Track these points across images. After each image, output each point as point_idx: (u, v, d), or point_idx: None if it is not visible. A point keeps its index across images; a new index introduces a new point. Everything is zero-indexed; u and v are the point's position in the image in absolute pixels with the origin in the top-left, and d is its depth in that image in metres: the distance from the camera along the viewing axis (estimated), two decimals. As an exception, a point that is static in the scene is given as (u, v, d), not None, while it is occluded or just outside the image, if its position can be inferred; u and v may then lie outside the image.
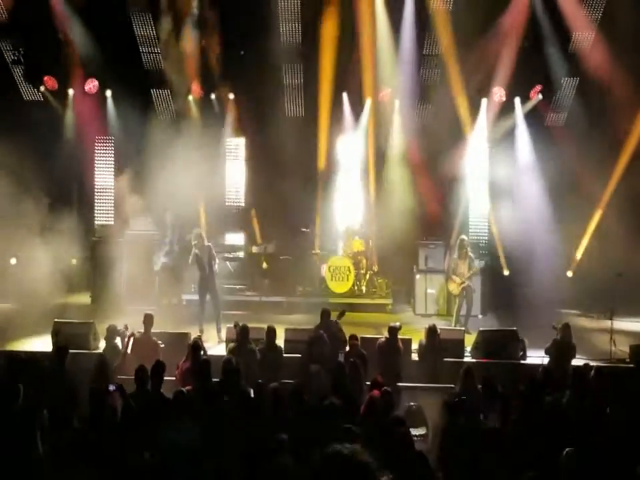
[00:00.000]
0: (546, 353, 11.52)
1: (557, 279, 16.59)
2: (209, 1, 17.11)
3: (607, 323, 13.73)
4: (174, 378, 10.31)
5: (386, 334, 11.77)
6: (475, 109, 17.60)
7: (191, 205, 16.63)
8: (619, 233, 15.79)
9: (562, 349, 11.28)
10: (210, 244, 14.47)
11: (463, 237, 15.31)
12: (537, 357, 12.73)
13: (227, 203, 18.46)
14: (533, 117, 17.78)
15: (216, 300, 14.34)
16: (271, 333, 11.48)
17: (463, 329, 13.99)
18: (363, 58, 17.34)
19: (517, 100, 17.71)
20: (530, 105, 17.74)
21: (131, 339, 11.23)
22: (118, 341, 11.64)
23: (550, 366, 10.51)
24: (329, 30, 16.83)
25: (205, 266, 14.20)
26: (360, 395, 8.91)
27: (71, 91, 17.87)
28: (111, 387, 8.44)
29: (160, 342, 11.49)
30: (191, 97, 18.12)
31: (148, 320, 11.62)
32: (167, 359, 10.30)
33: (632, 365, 12.14)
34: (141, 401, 8.57)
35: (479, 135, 17.66)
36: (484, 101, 17.57)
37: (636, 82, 16.13)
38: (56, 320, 13.01)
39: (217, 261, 14.49)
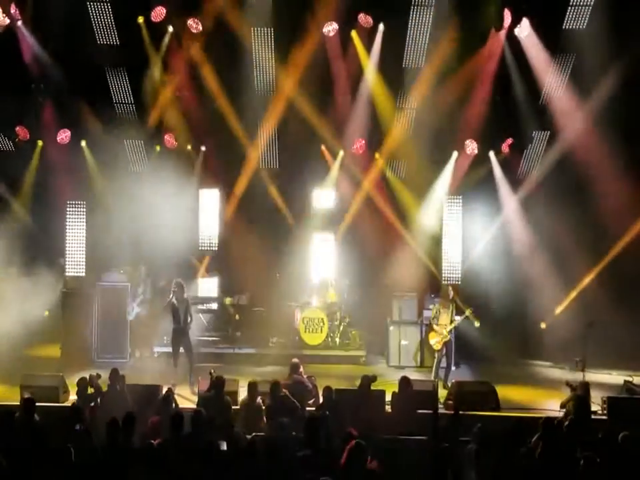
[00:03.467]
0: (561, 407, 11.68)
1: (530, 330, 16.70)
2: (182, 55, 17.28)
3: (578, 375, 13.79)
4: (145, 431, 10.15)
5: (358, 384, 11.79)
6: (447, 162, 17.83)
7: (164, 256, 16.56)
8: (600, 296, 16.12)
9: (582, 406, 11.30)
10: (188, 298, 14.48)
11: (448, 284, 15.39)
12: (509, 408, 12.80)
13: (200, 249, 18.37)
14: (505, 170, 17.98)
15: (189, 352, 14.32)
16: (252, 387, 11.41)
17: (435, 379, 13.99)
18: (339, 109, 17.57)
19: (492, 153, 17.91)
20: (502, 157, 17.96)
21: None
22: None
23: (563, 420, 10.41)
24: (303, 78, 17.00)
25: (180, 318, 14.18)
26: (332, 448, 8.82)
27: (40, 142, 17.83)
28: (77, 427, 8.33)
29: (128, 395, 11.36)
30: (159, 148, 18.18)
31: (114, 374, 11.54)
32: (138, 412, 10.18)
33: (604, 417, 12.18)
34: (111, 455, 8.44)
35: (450, 187, 17.84)
36: (454, 153, 17.79)
37: (605, 137, 16.44)
38: (25, 373, 12.86)
39: (192, 317, 14.47)
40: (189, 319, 14.37)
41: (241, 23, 16.71)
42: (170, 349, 14.58)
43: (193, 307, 15.20)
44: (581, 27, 16.20)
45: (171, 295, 14.25)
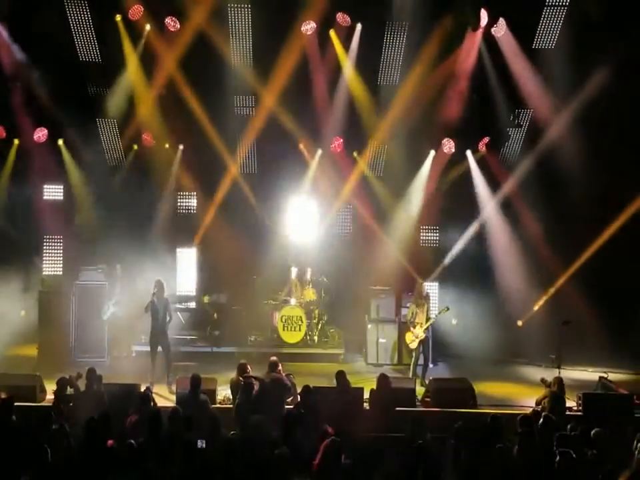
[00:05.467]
0: (537, 404, 11.81)
1: (506, 327, 16.82)
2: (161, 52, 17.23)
3: (554, 372, 13.92)
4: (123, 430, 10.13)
5: (335, 380, 11.91)
6: (424, 160, 17.90)
7: (141, 254, 16.55)
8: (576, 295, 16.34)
9: (557, 402, 11.54)
10: (167, 297, 14.45)
11: (422, 284, 15.43)
12: (486, 404, 12.89)
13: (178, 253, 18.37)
14: (482, 168, 18.07)
15: (167, 351, 14.29)
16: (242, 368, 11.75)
17: (413, 377, 14.08)
18: (317, 107, 17.60)
19: (469, 152, 17.99)
20: (478, 156, 18.05)
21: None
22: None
23: (539, 416, 10.52)
24: (282, 79, 17.01)
25: (159, 317, 14.14)
26: (309, 446, 8.87)
27: (16, 141, 17.70)
28: (53, 425, 8.32)
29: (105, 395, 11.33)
30: (136, 147, 18.07)
31: (91, 374, 11.49)
32: (116, 411, 10.18)
33: (580, 413, 12.30)
34: (88, 454, 8.44)
35: (428, 186, 17.91)
36: (432, 152, 17.86)
37: (581, 133, 16.57)
38: (1, 372, 12.79)
39: (171, 317, 14.46)
40: (168, 318, 14.37)
41: (219, 26, 16.67)
42: (148, 348, 14.54)
43: (172, 305, 15.16)
44: (557, 27, 16.35)
45: (152, 295, 14.20)
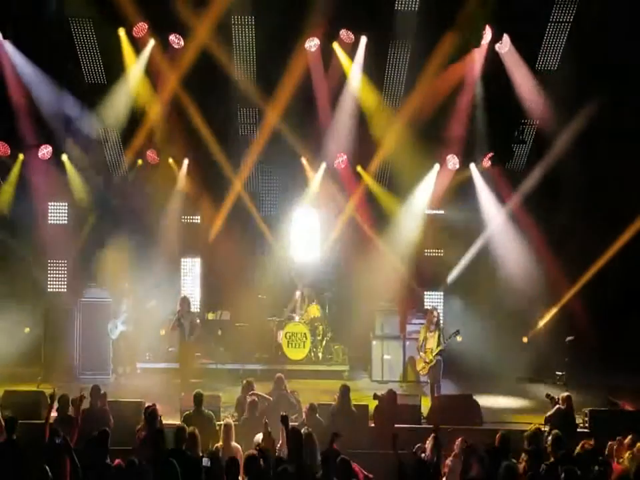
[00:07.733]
0: (546, 422, 11.48)
1: (512, 344, 16.75)
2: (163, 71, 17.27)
3: (560, 388, 13.85)
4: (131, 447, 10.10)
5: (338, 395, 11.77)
6: (428, 174, 17.89)
7: (148, 271, 16.56)
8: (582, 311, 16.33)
9: (567, 419, 11.38)
10: (194, 312, 14.43)
11: (433, 308, 15.18)
12: (492, 422, 12.81)
13: (182, 266, 18.37)
14: (487, 184, 18.05)
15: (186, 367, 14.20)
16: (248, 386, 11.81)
17: (418, 394, 13.94)
18: (321, 124, 17.62)
19: (473, 168, 17.99)
20: (481, 171, 18.02)
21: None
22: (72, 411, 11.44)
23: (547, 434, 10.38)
24: (287, 90, 17.03)
25: (187, 334, 14.05)
26: (315, 464, 8.82)
27: (21, 156, 17.70)
28: (57, 440, 8.28)
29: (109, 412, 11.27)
30: (141, 162, 18.07)
31: (95, 391, 11.45)
32: (121, 428, 10.16)
33: (587, 430, 12.21)
34: (91, 472, 8.41)
35: (432, 201, 17.90)
36: (436, 166, 17.84)
37: (588, 151, 16.56)
38: (6, 390, 12.76)
39: (198, 328, 14.43)
40: (194, 334, 14.36)
41: (222, 42, 16.71)
42: (153, 365, 14.50)
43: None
44: (559, 42, 16.39)
45: (177, 314, 14.10)
